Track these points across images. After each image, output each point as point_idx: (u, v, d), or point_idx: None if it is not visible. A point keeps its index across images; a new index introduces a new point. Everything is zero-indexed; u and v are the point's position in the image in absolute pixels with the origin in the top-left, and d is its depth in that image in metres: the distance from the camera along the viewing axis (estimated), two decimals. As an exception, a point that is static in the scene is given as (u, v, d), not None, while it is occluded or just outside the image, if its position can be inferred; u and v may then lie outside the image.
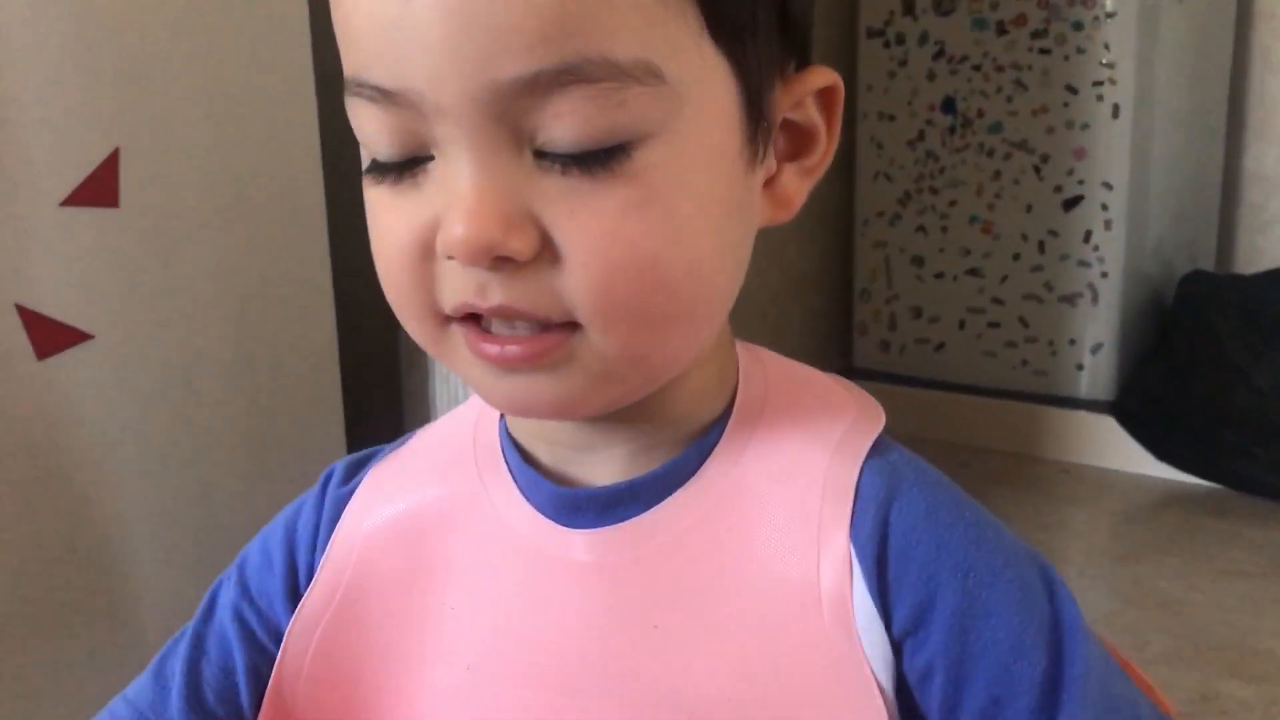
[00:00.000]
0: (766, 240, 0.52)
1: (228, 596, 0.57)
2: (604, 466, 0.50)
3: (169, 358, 1.12)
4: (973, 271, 2.75)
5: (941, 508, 0.48)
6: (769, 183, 0.49)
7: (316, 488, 0.57)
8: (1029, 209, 2.64)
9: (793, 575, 0.46)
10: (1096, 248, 2.58)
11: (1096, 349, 2.63)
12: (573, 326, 0.43)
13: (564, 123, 0.40)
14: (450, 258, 0.42)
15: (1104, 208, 2.55)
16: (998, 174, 2.67)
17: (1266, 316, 2.48)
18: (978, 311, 2.77)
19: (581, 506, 0.49)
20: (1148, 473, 2.52)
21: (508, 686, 0.48)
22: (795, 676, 0.46)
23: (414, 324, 0.46)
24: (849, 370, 2.85)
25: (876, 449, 0.50)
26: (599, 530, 0.49)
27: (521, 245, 0.41)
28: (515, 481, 0.51)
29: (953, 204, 2.75)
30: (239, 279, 1.18)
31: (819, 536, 0.47)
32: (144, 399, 1.11)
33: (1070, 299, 2.64)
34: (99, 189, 1.05)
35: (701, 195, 0.43)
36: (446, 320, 0.45)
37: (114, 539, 1.09)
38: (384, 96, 0.41)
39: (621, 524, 0.48)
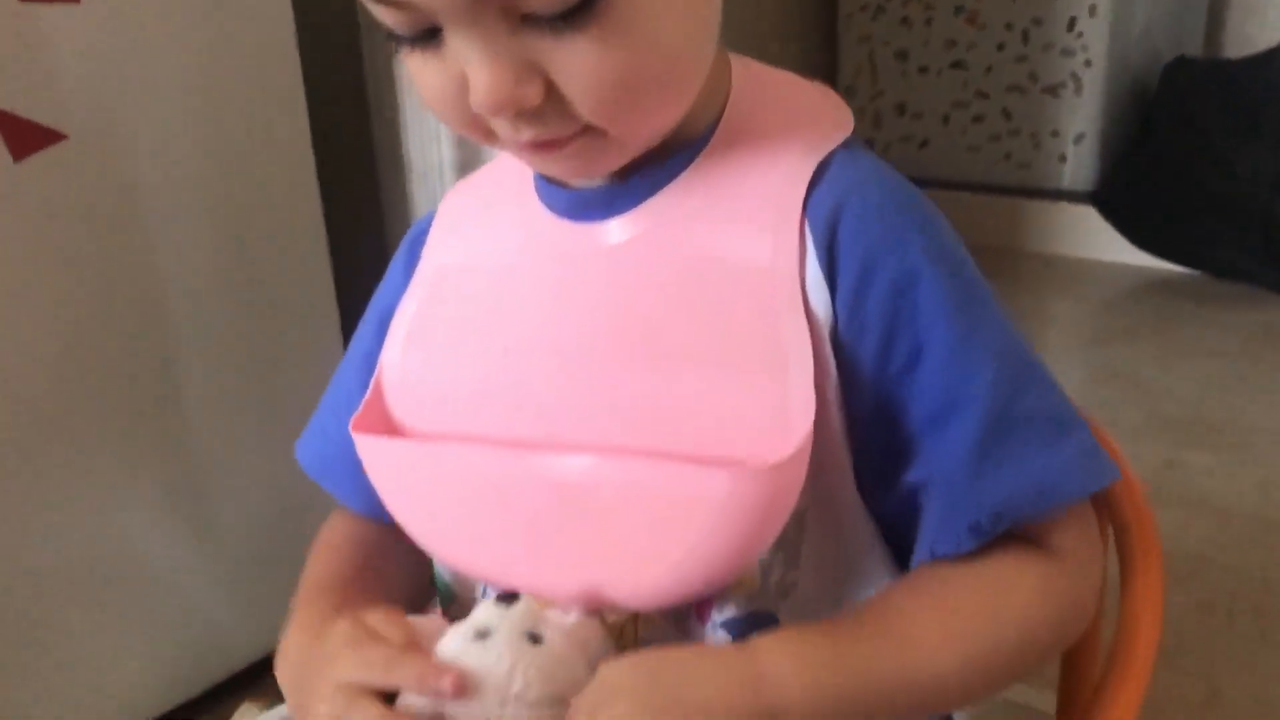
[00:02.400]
0: (745, 41, 0.57)
1: (353, 349, 0.70)
2: (610, 176, 0.58)
3: (145, 157, 1.12)
4: (957, 64, 2.72)
5: (893, 199, 0.56)
6: None
7: (403, 246, 0.68)
8: (1014, -3, 2.60)
9: (751, 255, 0.54)
10: (1080, 35, 2.54)
11: (1079, 139, 2.62)
12: (591, 127, 0.52)
13: None
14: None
15: (1089, -7, 2.51)
16: (982, -39, 2.61)
17: (1249, 103, 2.46)
18: (962, 105, 2.75)
19: (589, 202, 0.59)
20: (1127, 261, 2.55)
21: (536, 360, 0.58)
22: (747, 335, 0.53)
23: (474, 138, 0.56)
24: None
25: (845, 147, 0.57)
26: (605, 221, 0.58)
27: (532, 94, 0.49)
28: (540, 197, 0.61)
29: (937, -6, 2.70)
30: (210, 74, 1.16)
31: (777, 218, 0.54)
32: (122, 199, 1.11)
33: (1053, 89, 2.62)
34: (59, -15, 1.04)
35: (662, 11, 0.50)
36: (492, 132, 0.54)
37: (91, 336, 1.12)
38: (389, 2, 0.49)
39: (622, 215, 0.57)
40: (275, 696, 0.63)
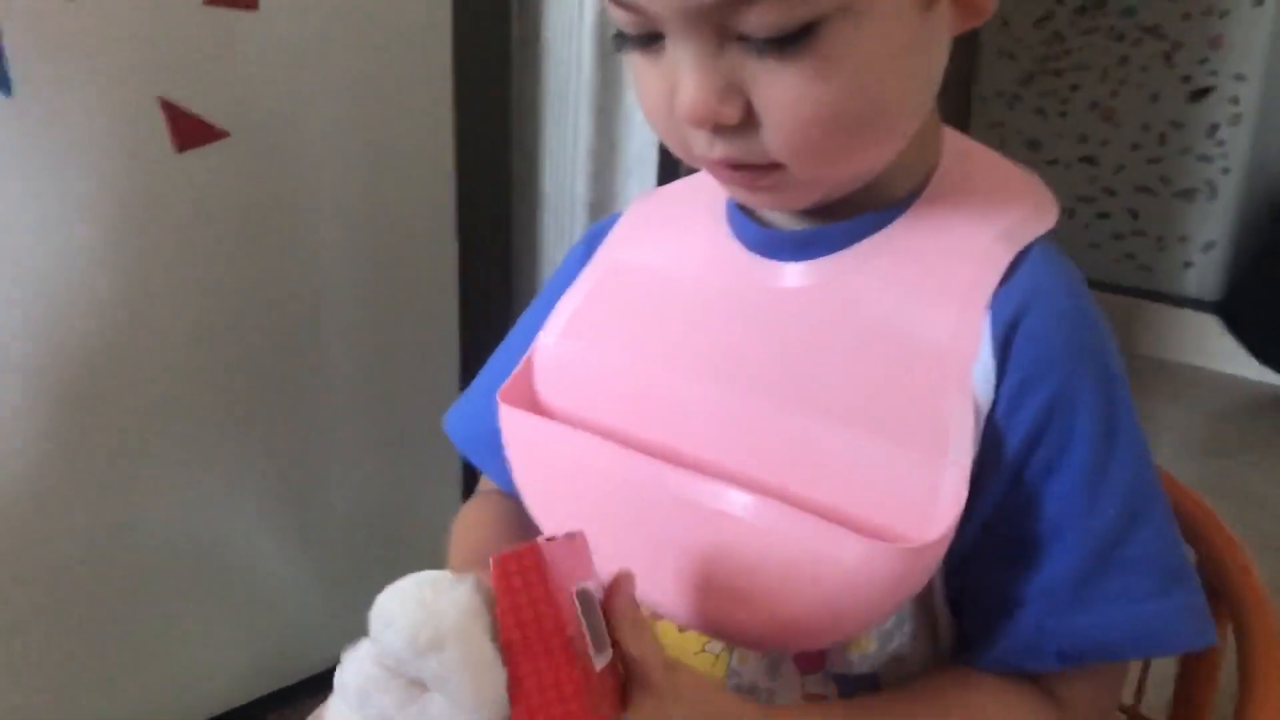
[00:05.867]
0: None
1: (514, 335, 0.71)
2: (804, 220, 0.59)
3: (298, 164, 1.16)
4: (1087, 159, 2.69)
5: (1077, 314, 0.55)
6: None
7: (580, 242, 0.71)
8: (1154, 98, 2.57)
9: (931, 332, 0.54)
10: (1221, 143, 2.50)
11: (1208, 247, 2.57)
12: (780, 165, 0.53)
13: (758, 20, 0.48)
14: None
15: (1234, 101, 2.47)
16: (1125, 59, 2.59)
17: (1392, 225, 2.39)
18: (1088, 200, 2.71)
19: (778, 242, 0.59)
20: (1247, 375, 2.48)
21: (688, 379, 0.59)
22: (911, 407, 0.53)
23: (673, 150, 0.57)
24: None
25: (1041, 242, 0.56)
26: (790, 264, 0.59)
27: (730, 113, 0.51)
28: (730, 225, 0.62)
29: (1075, 88, 2.68)
30: (368, 92, 1.20)
31: (963, 301, 0.54)
32: (271, 201, 1.15)
33: (1186, 194, 2.57)
34: (239, -9, 1.09)
35: (876, 54, 0.50)
36: (689, 148, 0.56)
37: (228, 328, 1.15)
38: (623, 4, 0.52)
39: (808, 261, 0.58)
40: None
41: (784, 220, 0.60)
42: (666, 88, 0.52)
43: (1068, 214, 2.70)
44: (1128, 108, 2.61)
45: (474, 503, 0.73)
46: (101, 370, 1.08)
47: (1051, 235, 0.58)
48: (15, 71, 0.96)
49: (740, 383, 0.57)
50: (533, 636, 0.42)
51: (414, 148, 1.28)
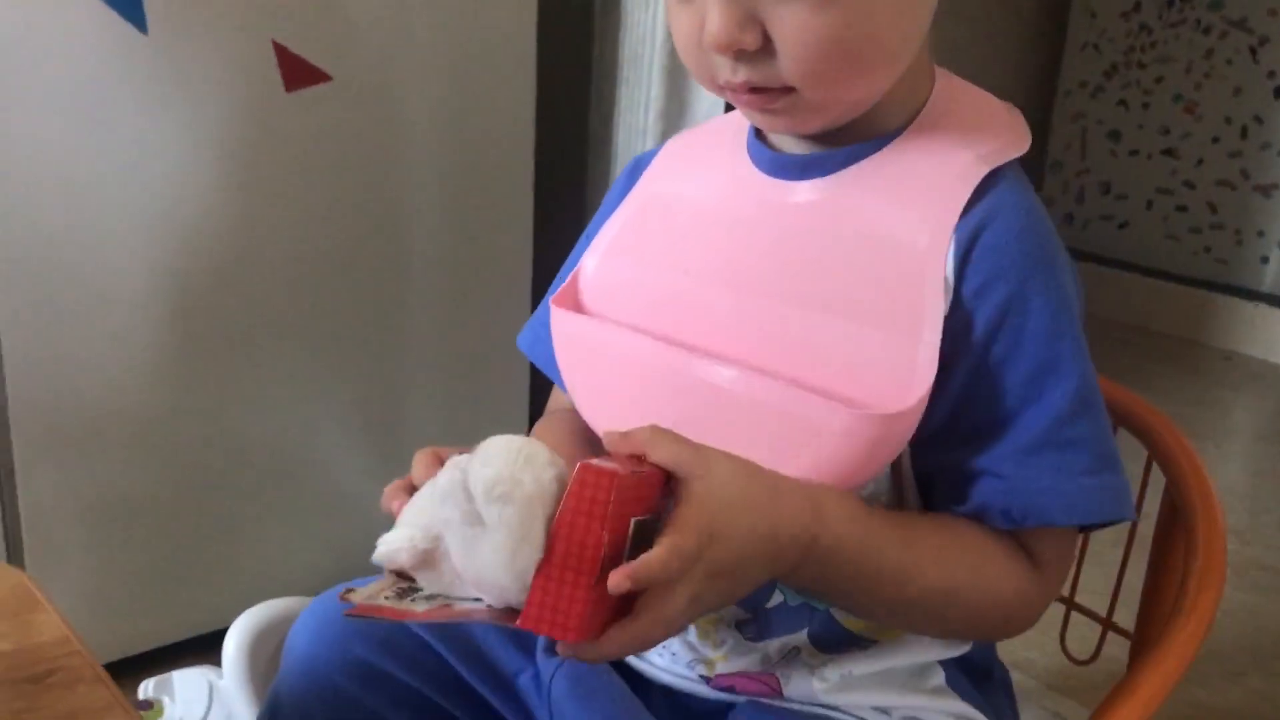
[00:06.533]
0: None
1: (570, 259, 0.81)
2: (810, 146, 0.69)
3: (390, 110, 1.28)
4: (1168, 151, 2.72)
5: (1033, 233, 0.65)
6: None
7: (623, 175, 0.81)
8: (1237, 92, 2.58)
9: (910, 238, 0.64)
10: (1302, 138, 2.51)
11: (1285, 243, 2.58)
12: (792, 88, 0.62)
13: None
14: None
15: (1317, 97, 2.48)
16: (1210, 53, 2.61)
17: None
18: (1167, 193, 2.74)
19: (788, 165, 0.69)
20: (1316, 371, 2.49)
21: (712, 287, 0.69)
22: (892, 298, 0.63)
23: (701, 83, 0.67)
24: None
25: (1012, 168, 0.66)
26: (797, 182, 0.69)
27: (750, 39, 0.60)
28: (749, 153, 0.72)
29: (1159, 80, 2.70)
30: (458, 50, 1.31)
31: (939, 213, 0.64)
32: (363, 142, 1.27)
33: (1265, 189, 2.58)
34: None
35: None
36: (715, 79, 0.66)
37: (328, 254, 1.29)
38: None
39: (812, 180, 0.68)
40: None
41: (793, 146, 0.70)
42: (697, 23, 0.62)
43: (1146, 205, 2.74)
44: (1211, 101, 2.63)
45: (546, 420, 0.82)
46: (212, 291, 1.23)
47: (1021, 162, 0.67)
48: (150, 11, 1.10)
49: (751, 286, 0.68)
50: (574, 544, 0.48)
51: (498, 105, 1.39)
